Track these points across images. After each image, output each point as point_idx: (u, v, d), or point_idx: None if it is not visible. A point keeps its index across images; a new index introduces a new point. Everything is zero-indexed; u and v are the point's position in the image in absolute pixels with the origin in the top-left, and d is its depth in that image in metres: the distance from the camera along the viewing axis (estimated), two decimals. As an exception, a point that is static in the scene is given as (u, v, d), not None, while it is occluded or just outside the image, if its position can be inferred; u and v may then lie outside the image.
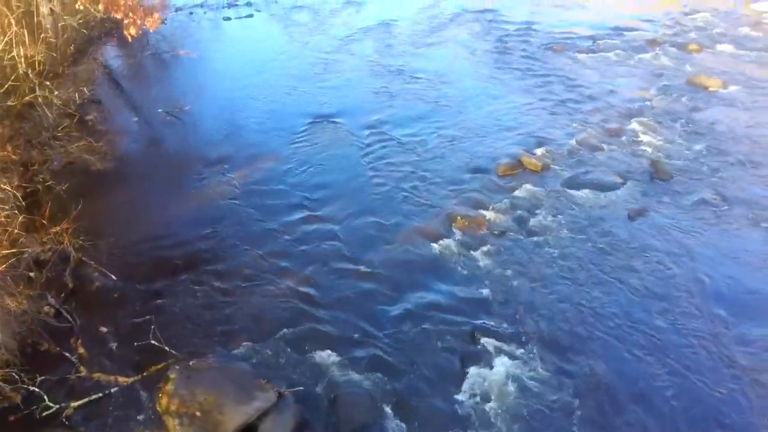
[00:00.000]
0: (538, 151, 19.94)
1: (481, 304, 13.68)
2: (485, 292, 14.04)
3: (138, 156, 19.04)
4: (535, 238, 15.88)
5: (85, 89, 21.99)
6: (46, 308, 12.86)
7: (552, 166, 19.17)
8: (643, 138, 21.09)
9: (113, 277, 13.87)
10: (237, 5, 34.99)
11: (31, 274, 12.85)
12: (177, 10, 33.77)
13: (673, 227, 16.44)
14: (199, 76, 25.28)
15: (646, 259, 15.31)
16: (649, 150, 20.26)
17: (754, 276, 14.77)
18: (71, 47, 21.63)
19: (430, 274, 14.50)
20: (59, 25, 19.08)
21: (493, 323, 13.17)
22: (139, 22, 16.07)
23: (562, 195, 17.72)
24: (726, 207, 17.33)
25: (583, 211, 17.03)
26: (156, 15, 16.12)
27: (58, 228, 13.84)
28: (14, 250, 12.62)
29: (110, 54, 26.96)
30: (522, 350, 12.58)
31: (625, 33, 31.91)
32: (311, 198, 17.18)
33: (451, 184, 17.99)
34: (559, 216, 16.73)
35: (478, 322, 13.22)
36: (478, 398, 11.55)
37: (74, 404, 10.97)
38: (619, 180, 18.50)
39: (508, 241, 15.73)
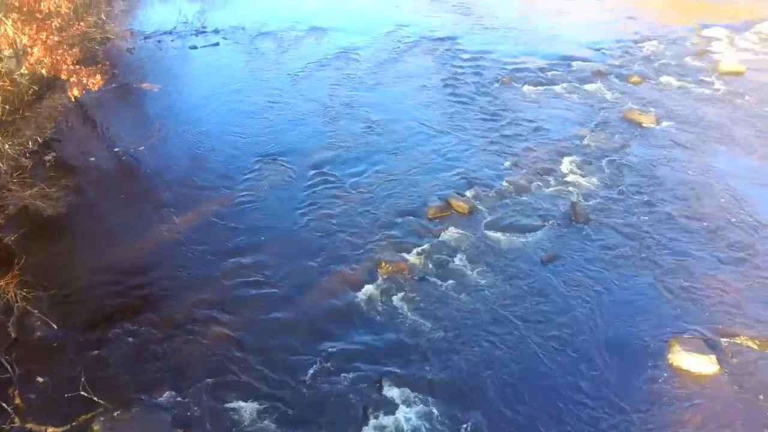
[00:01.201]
0: (469, 193, 21.27)
1: (391, 352, 14.99)
2: (397, 339, 15.35)
3: (88, 200, 20.14)
4: (451, 283, 17.20)
5: (46, 127, 23.13)
6: (-11, 359, 14.03)
7: (479, 207, 20.50)
8: (570, 178, 22.48)
9: (54, 326, 15.04)
10: (205, 32, 36.07)
11: (-26, 329, 13.99)
12: (146, 37, 34.85)
13: (579, 272, 17.81)
14: (159, 111, 26.39)
15: (551, 305, 16.67)
16: (573, 191, 21.65)
17: (640, 321, 16.16)
18: (30, 90, 22.65)
19: (349, 323, 15.79)
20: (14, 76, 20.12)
21: (398, 371, 14.48)
22: (84, 81, 17.18)
23: (484, 239, 19.05)
24: (629, 252, 18.73)
25: (501, 256, 18.38)
26: (98, 76, 17.18)
27: (3, 282, 14.99)
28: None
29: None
30: (422, 399, 13.89)
31: (574, 63, 33.36)
32: (248, 243, 18.40)
33: (382, 229, 19.27)
34: (477, 261, 18.06)
35: (387, 370, 14.52)
36: (375, 445, 12.87)
37: (6, 454, 12.19)
38: (539, 223, 19.87)
39: (426, 287, 17.04)
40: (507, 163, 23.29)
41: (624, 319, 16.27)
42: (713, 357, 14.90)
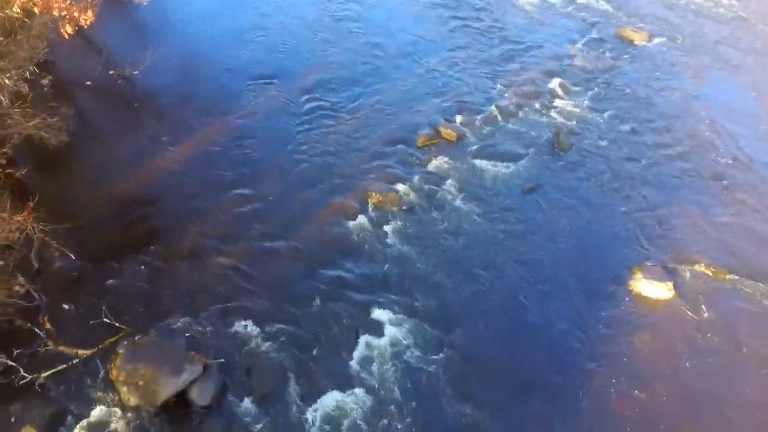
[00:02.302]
0: (458, 119, 22.01)
1: (380, 279, 16.55)
2: (386, 267, 16.85)
3: (89, 129, 20.78)
4: (437, 213, 18.48)
5: (39, 47, 23.24)
6: (16, 288, 15.50)
7: (467, 135, 21.36)
8: (557, 102, 23.14)
9: (72, 257, 16.40)
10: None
11: (1, 262, 15.34)
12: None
13: (557, 202, 19.10)
14: (151, 28, 26.23)
15: (529, 234, 18.08)
16: (558, 117, 22.40)
17: (609, 249, 17.64)
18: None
19: (341, 252, 17.21)
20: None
21: (387, 297, 16.11)
22: (76, 16, 17.36)
23: (470, 168, 20.09)
24: (606, 181, 19.86)
25: (485, 186, 19.53)
26: (89, 12, 17.32)
27: (21, 217, 16.13)
28: (-15, 241, 15.05)
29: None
30: (408, 321, 15.61)
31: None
32: (245, 173, 19.36)
33: (373, 158, 20.22)
34: (463, 191, 19.23)
35: (376, 295, 16.15)
36: (365, 364, 14.70)
37: (44, 374, 13.91)
38: (524, 151, 20.83)
39: (413, 217, 18.33)
40: (497, 87, 23.79)
41: (594, 247, 17.74)
42: (670, 284, 16.51)
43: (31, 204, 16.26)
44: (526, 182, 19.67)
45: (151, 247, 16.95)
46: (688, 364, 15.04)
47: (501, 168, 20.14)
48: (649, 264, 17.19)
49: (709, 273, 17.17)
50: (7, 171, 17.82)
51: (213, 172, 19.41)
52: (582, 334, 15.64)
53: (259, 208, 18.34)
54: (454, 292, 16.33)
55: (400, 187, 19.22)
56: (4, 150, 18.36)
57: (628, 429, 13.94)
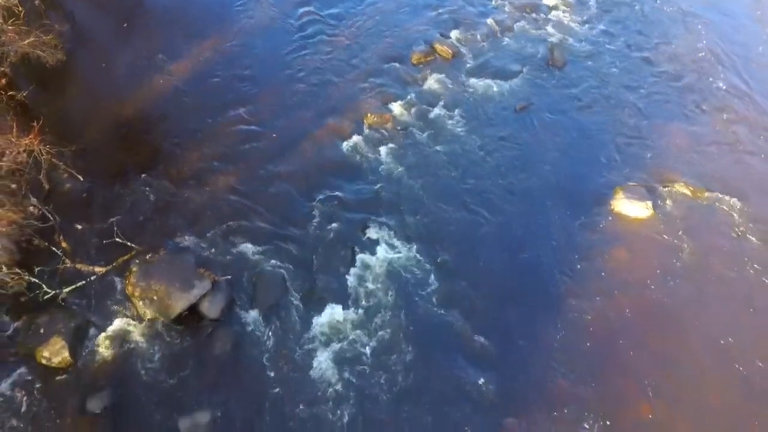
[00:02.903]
0: (454, 34, 21.97)
1: (374, 200, 17.42)
2: (380, 188, 17.67)
3: (84, 47, 20.75)
4: (430, 132, 19.04)
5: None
6: (31, 209, 16.36)
7: (462, 51, 21.43)
8: (553, 15, 22.95)
9: (80, 178, 17.15)
10: None
11: (13, 185, 16.08)
12: None
13: (547, 121, 19.62)
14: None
15: (519, 153, 18.75)
16: (554, 32, 22.33)
17: (594, 169, 18.39)
18: None
19: (337, 173, 17.96)
20: None
21: (381, 216, 17.06)
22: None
23: (464, 86, 20.39)
24: (597, 99, 20.24)
25: (478, 104, 19.92)
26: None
27: (27, 139, 16.69)
28: (-3, 164, 15.72)
29: None
30: (400, 239, 16.65)
31: None
32: (243, 94, 19.68)
33: (369, 76, 20.45)
34: (456, 110, 19.66)
35: (370, 215, 17.09)
36: (360, 279, 15.88)
37: (66, 290, 15.11)
38: (518, 68, 21.02)
39: (408, 137, 18.91)
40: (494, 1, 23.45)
41: (581, 167, 18.48)
42: (649, 203, 17.41)
43: (37, 126, 16.74)
44: (519, 101, 20.06)
45: (155, 168, 17.67)
46: (656, 282, 16.24)
47: (495, 86, 20.44)
48: (631, 184, 18.00)
49: (688, 192, 18.03)
50: (9, 93, 18.15)
51: (210, 93, 19.70)
52: (562, 251, 16.75)
53: (256, 129, 18.85)
54: (444, 211, 17.24)
55: (395, 106, 19.63)
56: (3, 68, 18.58)
57: (595, 337, 15.31)
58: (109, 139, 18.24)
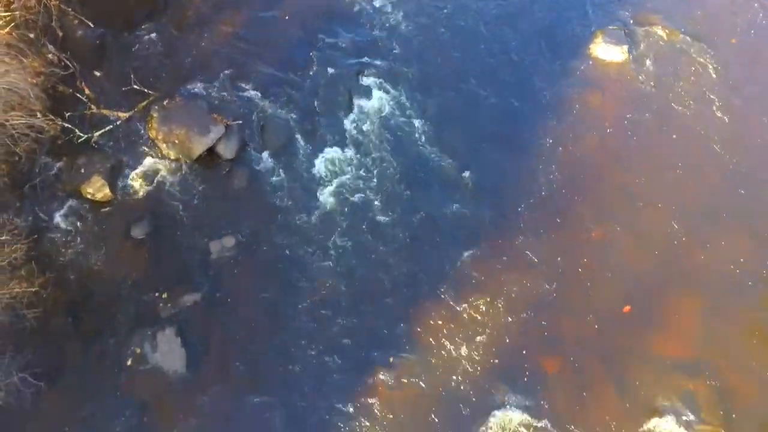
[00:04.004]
0: None
1: (370, 48, 18.66)
2: (376, 36, 18.79)
3: None
4: (426, -21, 19.55)
5: None
6: (50, 56, 17.64)
7: None
8: None
9: (91, 24, 18.16)
10: None
11: (31, 35, 17.19)
12: None
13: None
14: None
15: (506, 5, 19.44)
16: None
17: (578, 14, 19.30)
18: None
19: (335, 19, 18.97)
20: None
21: (377, 63, 18.46)
22: None
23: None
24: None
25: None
26: None
27: (36, -14, 17.42)
28: (8, 14, 16.71)
29: None
30: (393, 86, 18.22)
31: None
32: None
33: None
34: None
35: (366, 62, 18.49)
36: (357, 122, 17.79)
37: (96, 133, 17.02)
38: None
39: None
40: None
41: (565, 11, 19.35)
42: (625, 47, 18.68)
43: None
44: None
45: (160, 14, 18.61)
46: (623, 121, 18.09)
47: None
48: (611, 27, 19.03)
49: (664, 35, 19.14)
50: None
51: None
52: (541, 94, 18.42)
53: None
54: (435, 59, 18.59)
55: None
56: None
57: (564, 171, 17.61)
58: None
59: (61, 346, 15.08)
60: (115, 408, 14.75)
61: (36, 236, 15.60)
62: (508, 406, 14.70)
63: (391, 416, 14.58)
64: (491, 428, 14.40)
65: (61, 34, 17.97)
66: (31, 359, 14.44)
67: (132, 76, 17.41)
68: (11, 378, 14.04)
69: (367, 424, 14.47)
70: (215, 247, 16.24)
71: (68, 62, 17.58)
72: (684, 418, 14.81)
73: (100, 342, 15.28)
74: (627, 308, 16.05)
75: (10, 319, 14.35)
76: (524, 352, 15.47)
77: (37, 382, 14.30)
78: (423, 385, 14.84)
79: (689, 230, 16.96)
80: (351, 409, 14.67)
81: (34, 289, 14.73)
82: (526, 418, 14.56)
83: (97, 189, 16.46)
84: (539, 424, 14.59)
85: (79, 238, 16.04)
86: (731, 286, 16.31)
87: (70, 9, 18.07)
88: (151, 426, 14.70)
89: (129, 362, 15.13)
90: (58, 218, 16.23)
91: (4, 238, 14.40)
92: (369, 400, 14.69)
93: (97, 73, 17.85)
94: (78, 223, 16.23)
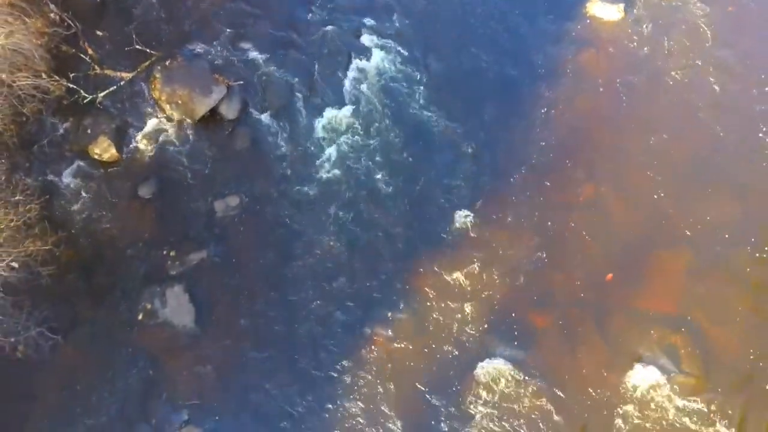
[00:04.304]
0: None
1: (373, 8, 18.75)
2: (375, -4, 18.85)
3: None
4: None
5: None
6: (52, 15, 17.76)
7: None
8: None
9: (91, -17, 18.21)
10: None
11: (33, -6, 17.27)
12: None
13: None
14: None
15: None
16: None
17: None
18: None
19: (333, -24, 18.93)
20: None
21: (375, 23, 18.64)
22: None
23: None
24: None
25: None
26: None
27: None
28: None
29: None
30: (393, 45, 18.45)
31: None
32: None
33: None
34: None
35: (364, 21, 18.68)
36: (356, 82, 18.10)
37: (101, 94, 17.35)
38: None
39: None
40: None
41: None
42: (621, 6, 18.77)
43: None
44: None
45: (160, -25, 18.59)
46: (617, 82, 18.36)
47: None
48: (607, -14, 19.12)
49: (658, -6, 19.23)
50: None
51: None
52: (538, 53, 18.65)
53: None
54: (433, 19, 18.75)
55: None
56: None
57: (558, 131, 18.01)
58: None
59: (75, 302, 15.90)
60: (127, 360, 15.68)
61: (47, 196, 16.17)
62: (499, 358, 15.60)
63: (389, 365, 15.51)
64: (483, 377, 15.36)
65: (61, -8, 18.04)
66: (47, 314, 15.23)
67: (134, 36, 17.61)
68: (29, 332, 14.88)
69: (366, 375, 15.41)
70: (220, 206, 16.83)
71: (70, 22, 17.71)
72: (666, 368, 15.73)
73: (112, 298, 16.08)
74: (609, 276, 16.77)
75: (27, 277, 15.05)
76: (515, 307, 16.27)
77: (53, 335, 15.19)
78: (419, 339, 15.73)
79: (675, 192, 17.51)
80: (351, 363, 15.60)
81: (47, 248, 15.40)
82: (514, 369, 15.47)
83: (103, 149, 16.93)
84: (527, 375, 15.53)
85: (88, 198, 16.63)
86: (715, 245, 16.95)
87: (70, -33, 18.07)
88: (161, 376, 15.64)
89: (140, 317, 15.96)
90: (67, 178, 16.77)
91: (17, 198, 14.97)
92: (368, 353, 15.60)
93: (99, 33, 18.03)
94: (86, 183, 16.78)
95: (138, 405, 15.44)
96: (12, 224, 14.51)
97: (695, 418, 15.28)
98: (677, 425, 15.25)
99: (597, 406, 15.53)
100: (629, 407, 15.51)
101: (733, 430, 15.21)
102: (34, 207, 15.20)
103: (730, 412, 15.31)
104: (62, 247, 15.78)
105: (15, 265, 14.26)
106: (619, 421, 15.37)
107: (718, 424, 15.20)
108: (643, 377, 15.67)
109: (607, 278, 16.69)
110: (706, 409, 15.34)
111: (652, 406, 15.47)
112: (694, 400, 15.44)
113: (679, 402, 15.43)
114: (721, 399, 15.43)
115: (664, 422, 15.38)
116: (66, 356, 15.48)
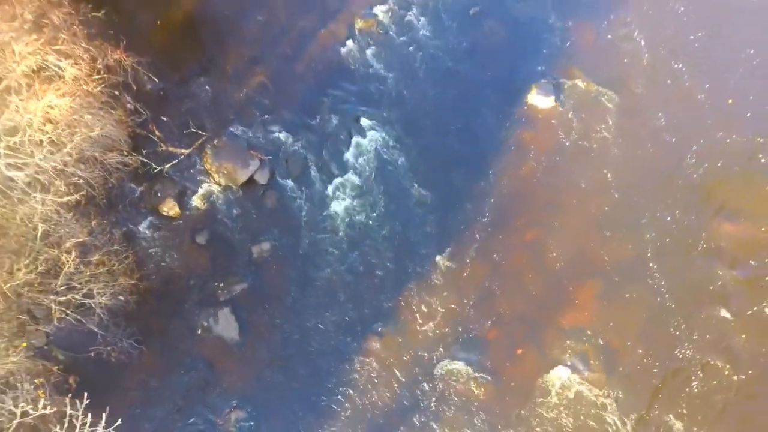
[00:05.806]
0: (427, -62, 26.95)
1: (365, 96, 24.92)
2: (369, 86, 25.03)
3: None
4: (406, 37, 25.65)
5: None
6: (128, 106, 23.76)
7: (433, -44, 26.73)
8: None
9: (156, 80, 24.24)
10: None
11: (116, 92, 23.26)
12: None
13: (493, 26, 26.01)
14: None
15: (469, 51, 25.60)
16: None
17: (522, 68, 25.61)
18: None
19: (338, 73, 25.12)
20: None
21: (370, 109, 24.75)
22: None
23: (432, -8, 26.29)
24: (537, 10, 26.37)
25: (442, 8, 26.03)
26: None
27: (117, 54, 23.33)
28: (100, 77, 22.74)
29: None
30: (384, 127, 24.57)
31: None
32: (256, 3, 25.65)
33: (356, -18, 26.19)
34: (425, 15, 25.90)
35: (362, 108, 24.78)
36: (356, 156, 24.25)
37: (167, 166, 23.37)
38: (475, -25, 26.61)
39: (389, 41, 25.57)
40: None
41: (511, 67, 25.58)
42: (553, 97, 25.00)
43: (124, 42, 23.22)
44: (473, 6, 26.17)
45: (208, 71, 24.69)
46: (551, 153, 24.57)
47: (456, -8, 26.39)
48: (543, 81, 25.27)
49: (583, 86, 25.43)
50: (93, 14, 24.18)
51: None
52: (491, 131, 24.82)
53: (276, 33, 25.34)
54: (413, 102, 24.85)
55: (378, 11, 25.79)
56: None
57: (506, 191, 24.15)
58: (169, 49, 24.79)
59: (152, 321, 21.89)
60: (189, 364, 21.73)
61: (132, 243, 22.19)
62: (457, 360, 21.83)
63: (378, 367, 21.69)
64: (444, 374, 21.61)
65: (135, 87, 24.00)
66: (133, 330, 21.20)
67: (189, 120, 23.64)
68: (122, 343, 20.86)
69: (363, 373, 21.58)
70: (256, 249, 22.89)
71: (142, 110, 23.72)
72: (578, 368, 21.94)
73: (178, 318, 22.11)
74: (520, 351, 22.45)
75: (120, 303, 21.02)
76: (472, 324, 22.45)
77: (138, 345, 21.17)
78: (401, 345, 21.96)
79: (594, 234, 23.72)
80: (351, 364, 21.79)
81: (133, 282, 21.37)
82: (469, 368, 21.72)
83: (169, 207, 22.94)
84: (480, 373, 21.72)
85: (159, 244, 22.65)
86: (621, 275, 23.16)
87: (140, 68, 24.05)
88: (215, 376, 21.71)
89: (199, 332, 22.00)
90: (143, 230, 22.77)
91: (116, 248, 20.95)
92: (364, 357, 21.80)
93: (164, 119, 24.03)
94: (158, 233, 22.80)
95: (198, 397, 21.49)
96: (114, 267, 20.51)
97: (599, 404, 21.52)
98: (585, 409, 21.49)
99: (529, 396, 21.74)
100: (553, 398, 21.73)
101: (625, 410, 21.48)
102: (129, 255, 21.20)
103: (623, 398, 21.57)
104: (143, 281, 21.78)
105: (121, 298, 20.24)
106: (544, 408, 21.59)
107: (614, 405, 21.46)
108: (562, 375, 21.88)
109: (518, 352, 22.57)
110: (606, 398, 21.58)
111: (569, 395, 21.69)
112: (598, 391, 21.67)
113: (588, 393, 21.67)
114: (618, 390, 21.67)
115: (577, 406, 21.61)
116: (146, 361, 21.48)
